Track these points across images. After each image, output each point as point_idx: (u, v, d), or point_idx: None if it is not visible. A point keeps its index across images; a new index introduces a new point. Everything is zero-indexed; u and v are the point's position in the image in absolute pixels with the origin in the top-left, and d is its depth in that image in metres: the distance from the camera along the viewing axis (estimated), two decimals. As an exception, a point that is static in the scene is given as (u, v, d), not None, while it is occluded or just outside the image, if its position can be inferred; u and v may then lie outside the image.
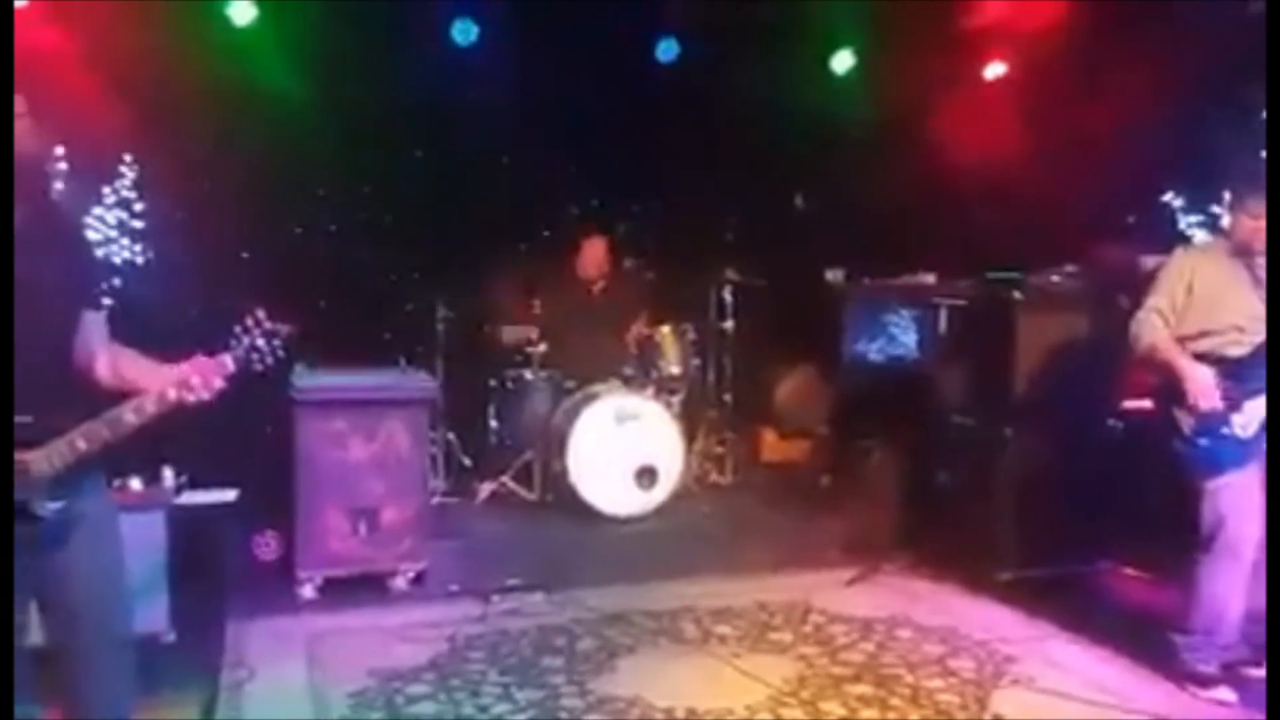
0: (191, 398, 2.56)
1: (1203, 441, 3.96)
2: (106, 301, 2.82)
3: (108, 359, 2.70)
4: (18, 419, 2.42)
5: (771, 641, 4.53)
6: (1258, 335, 3.99)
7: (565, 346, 7.30)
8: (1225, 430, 3.94)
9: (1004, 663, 4.30)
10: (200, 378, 2.56)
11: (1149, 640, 4.30)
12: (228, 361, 2.59)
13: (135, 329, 2.85)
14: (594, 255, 7.46)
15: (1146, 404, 4.31)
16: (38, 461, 2.45)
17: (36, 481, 2.45)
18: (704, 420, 7.77)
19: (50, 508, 2.47)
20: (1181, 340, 4.09)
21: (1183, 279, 4.13)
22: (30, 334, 2.47)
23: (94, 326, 2.71)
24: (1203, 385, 3.95)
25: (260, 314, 2.62)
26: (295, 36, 6.83)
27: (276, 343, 2.62)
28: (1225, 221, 4.17)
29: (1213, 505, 3.96)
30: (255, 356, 2.61)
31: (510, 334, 7.34)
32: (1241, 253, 4.09)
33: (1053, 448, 5.26)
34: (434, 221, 7.47)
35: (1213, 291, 4.08)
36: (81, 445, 2.49)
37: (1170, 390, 4.05)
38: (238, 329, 2.61)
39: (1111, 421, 5.31)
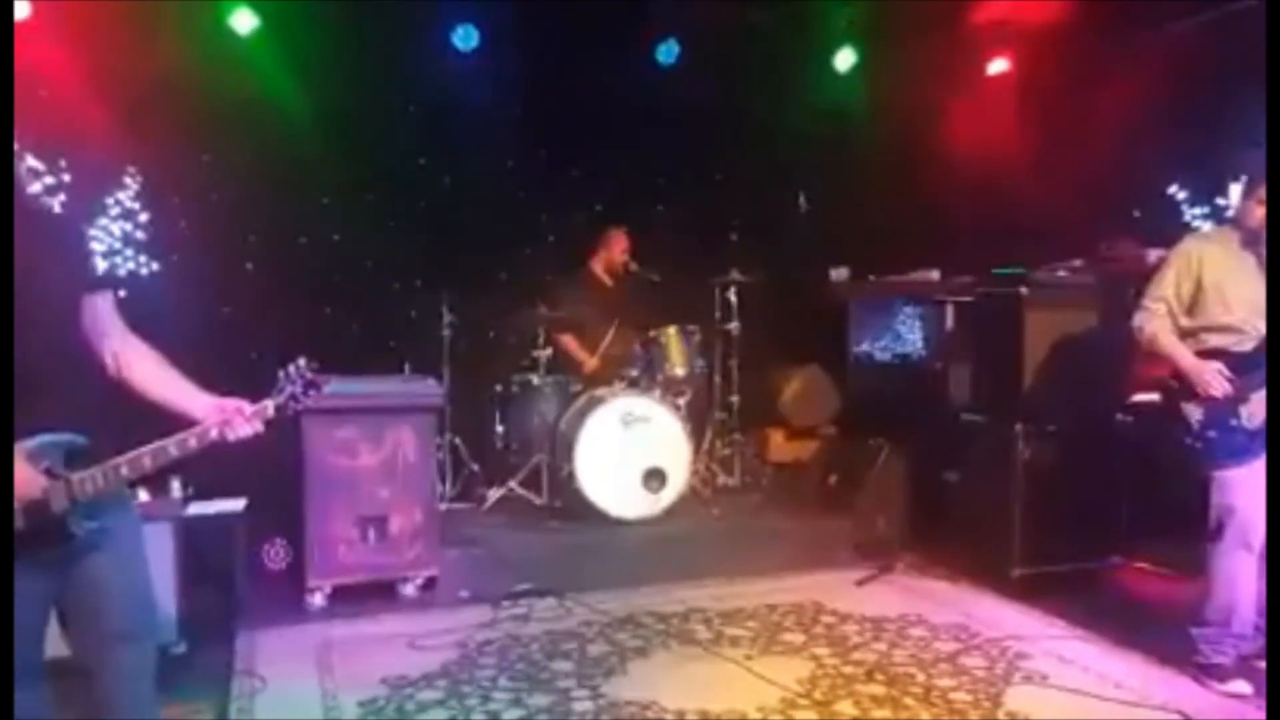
0: (232, 437, 2.63)
1: (1211, 434, 3.94)
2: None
3: (119, 347, 2.68)
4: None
5: (783, 642, 4.51)
6: (1263, 327, 3.98)
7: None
8: (1233, 422, 3.92)
9: (1017, 660, 4.27)
10: (244, 420, 2.63)
11: (1163, 634, 4.29)
12: (269, 408, 2.66)
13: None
14: (621, 244, 7.50)
15: (1155, 397, 4.29)
16: (82, 484, 2.50)
17: (77, 502, 2.50)
18: (711, 422, 7.76)
19: (87, 527, 2.53)
20: (1194, 332, 4.07)
21: (1190, 270, 4.10)
22: (24, 328, 2.45)
23: (91, 309, 2.65)
24: (1204, 375, 3.94)
25: (302, 362, 2.70)
26: (297, 45, 6.86)
27: (314, 392, 2.70)
28: (1233, 211, 4.13)
29: (1221, 496, 3.94)
30: (293, 403, 2.68)
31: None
32: (1251, 242, 4.07)
33: (1062, 443, 5.23)
34: (438, 228, 7.48)
35: (1222, 282, 4.05)
36: (125, 472, 2.55)
37: (1178, 383, 4.03)
38: (281, 374, 2.68)
39: (1120, 416, 5.28)
